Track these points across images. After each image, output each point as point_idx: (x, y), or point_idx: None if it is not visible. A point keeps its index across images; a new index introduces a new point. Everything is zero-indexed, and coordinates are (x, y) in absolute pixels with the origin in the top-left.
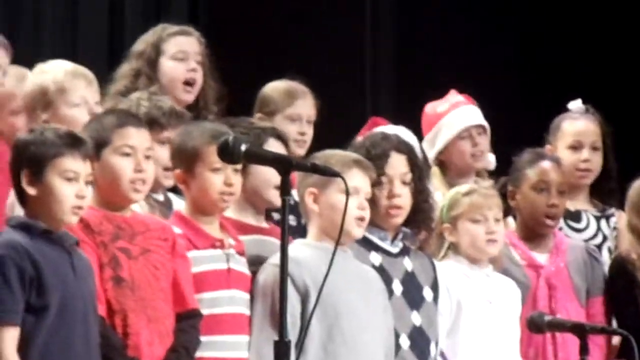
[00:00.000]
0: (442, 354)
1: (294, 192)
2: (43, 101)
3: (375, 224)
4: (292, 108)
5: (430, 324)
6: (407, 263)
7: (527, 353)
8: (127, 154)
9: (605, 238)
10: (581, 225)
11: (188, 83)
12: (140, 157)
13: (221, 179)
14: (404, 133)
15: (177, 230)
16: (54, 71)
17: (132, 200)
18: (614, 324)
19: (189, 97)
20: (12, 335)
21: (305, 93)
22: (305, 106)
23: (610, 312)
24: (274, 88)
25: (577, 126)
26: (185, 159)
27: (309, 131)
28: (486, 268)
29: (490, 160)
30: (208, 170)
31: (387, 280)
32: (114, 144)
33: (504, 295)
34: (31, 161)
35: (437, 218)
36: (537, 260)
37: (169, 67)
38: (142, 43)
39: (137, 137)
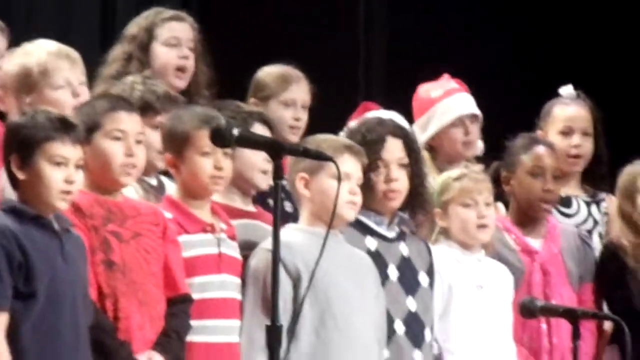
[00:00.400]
0: (435, 339)
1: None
2: (27, 84)
3: (371, 208)
4: (286, 93)
5: (425, 310)
6: (403, 248)
7: (521, 338)
8: (118, 138)
9: (595, 223)
10: (571, 211)
11: (179, 69)
12: (132, 141)
13: (211, 162)
14: (397, 118)
15: (168, 214)
16: (37, 53)
17: (122, 184)
18: (605, 309)
19: (181, 83)
20: (1, 320)
21: (299, 78)
22: (300, 91)
23: (600, 297)
24: (268, 73)
25: (568, 111)
26: (176, 143)
27: (304, 116)
28: (478, 253)
29: (479, 146)
30: (198, 154)
31: (383, 265)
32: (105, 127)
33: (496, 280)
34: (21, 145)
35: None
36: (532, 246)
37: (161, 52)
38: (134, 26)
39: (128, 121)
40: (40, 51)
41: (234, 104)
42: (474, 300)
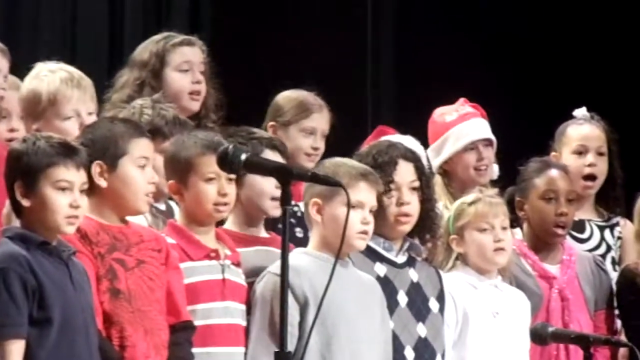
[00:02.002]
0: None
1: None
2: (35, 111)
3: (381, 233)
4: (307, 121)
5: (436, 336)
6: (413, 274)
7: None
8: (143, 166)
9: (609, 248)
10: (584, 235)
11: (193, 93)
12: (152, 168)
13: (215, 189)
14: (411, 142)
15: (172, 240)
16: (48, 80)
17: (143, 211)
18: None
19: (195, 105)
20: (19, 348)
21: (321, 107)
22: (321, 120)
23: (615, 324)
24: (290, 99)
25: (582, 131)
26: (179, 170)
27: (322, 145)
28: (494, 279)
29: (494, 170)
30: (201, 180)
31: (392, 291)
32: (133, 154)
33: (512, 306)
34: (24, 172)
35: (443, 228)
36: (549, 271)
37: (174, 78)
38: (145, 52)
39: (148, 148)
40: (52, 78)
41: (245, 129)
42: (490, 326)
